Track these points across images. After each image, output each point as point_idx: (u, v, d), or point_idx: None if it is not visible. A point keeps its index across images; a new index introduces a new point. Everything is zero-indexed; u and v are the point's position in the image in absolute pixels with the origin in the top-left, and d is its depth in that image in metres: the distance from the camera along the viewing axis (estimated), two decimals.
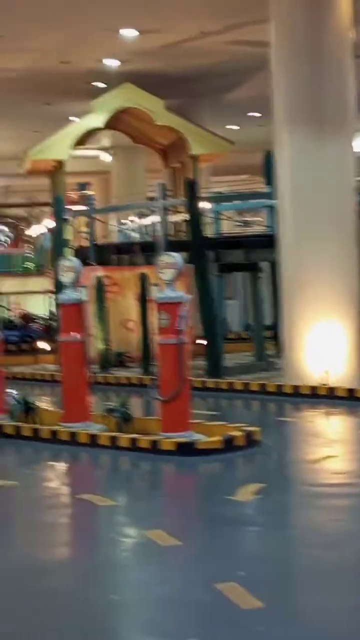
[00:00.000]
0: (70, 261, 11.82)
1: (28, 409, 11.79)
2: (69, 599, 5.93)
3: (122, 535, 7.36)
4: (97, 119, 23.01)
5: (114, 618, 5.63)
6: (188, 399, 10.50)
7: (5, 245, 36.69)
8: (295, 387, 13.94)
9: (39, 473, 9.92)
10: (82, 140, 23.91)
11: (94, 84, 22.72)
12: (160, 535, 7.09)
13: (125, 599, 5.96)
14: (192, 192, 15.88)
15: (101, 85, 22.99)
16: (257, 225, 24.24)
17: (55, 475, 10.01)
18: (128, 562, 6.74)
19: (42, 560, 6.71)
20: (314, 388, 13.77)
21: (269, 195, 17.22)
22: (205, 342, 15.75)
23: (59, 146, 23.02)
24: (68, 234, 19.60)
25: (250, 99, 24.38)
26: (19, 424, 11.51)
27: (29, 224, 39.32)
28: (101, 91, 23.17)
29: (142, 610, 5.71)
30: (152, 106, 23.08)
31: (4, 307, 23.74)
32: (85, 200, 21.80)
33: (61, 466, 10.40)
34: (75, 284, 11.52)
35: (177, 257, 10.73)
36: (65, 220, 18.77)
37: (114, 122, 24.08)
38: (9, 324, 21.93)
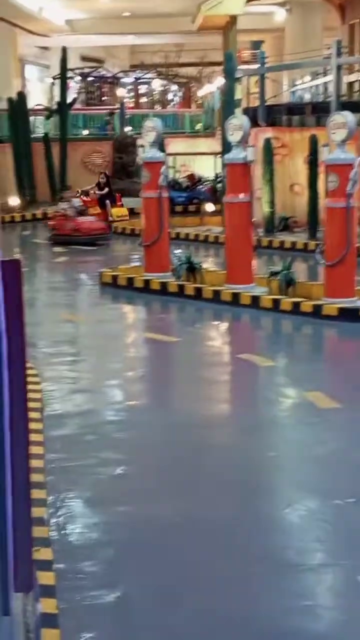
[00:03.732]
0: (239, 120, 11.59)
1: (192, 269, 11.89)
2: (231, 452, 6.07)
3: (281, 396, 7.41)
4: None
5: (272, 474, 5.73)
6: (354, 266, 10.30)
7: (175, 105, 36.50)
8: None
9: (201, 331, 10.06)
10: None
11: None
12: (320, 397, 7.10)
13: (283, 456, 6.04)
14: None
15: None
16: None
17: (217, 334, 10.13)
18: (287, 421, 6.80)
19: (205, 416, 6.86)
20: None
21: None
22: None
23: (232, 0, 22.32)
24: (238, 93, 19.20)
25: None
26: (183, 282, 11.65)
27: (199, 84, 38.86)
28: None
29: (299, 469, 5.78)
30: None
31: (172, 167, 23.77)
32: (257, 59, 21.22)
33: (222, 326, 10.50)
34: (243, 143, 11.32)
35: (350, 118, 10.33)
36: (237, 79, 18.36)
37: None
38: (176, 186, 21.99)
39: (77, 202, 17.66)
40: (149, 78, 38.01)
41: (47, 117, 25.62)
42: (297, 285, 10.88)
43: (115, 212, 19.25)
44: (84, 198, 18.84)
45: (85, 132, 27.58)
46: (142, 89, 37.48)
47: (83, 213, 17.42)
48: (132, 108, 32.85)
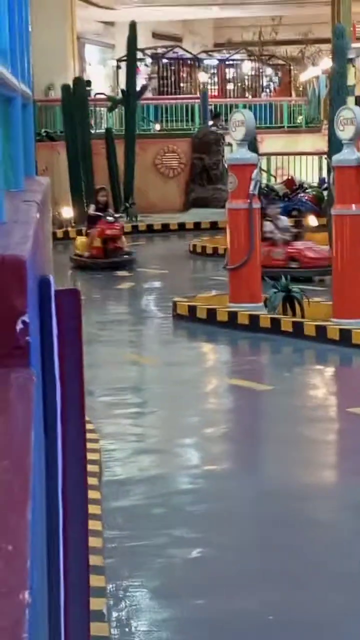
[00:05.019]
0: (351, 111, 11.62)
1: (290, 299, 11.86)
2: (338, 533, 6.01)
3: None
4: None
5: None
6: None
7: (270, 93, 36.68)
8: None
9: (301, 378, 10.02)
10: None
11: None
12: None
13: None
14: None
15: None
16: None
17: (321, 382, 10.08)
18: None
19: (305, 485, 6.83)
20: None
21: None
22: None
23: None
24: (351, 78, 19.22)
25: None
26: (278, 316, 11.64)
27: (301, 67, 38.99)
28: None
29: None
30: None
31: (265, 171, 23.88)
32: None
33: (328, 371, 10.44)
34: (357, 141, 11.35)
35: None
36: (349, 60, 18.41)
37: None
38: (271, 194, 22.05)
39: (284, 220, 16.52)
40: (238, 60, 38.30)
41: (110, 109, 25.96)
42: None
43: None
44: (107, 225, 17.23)
45: (157, 127, 27.90)
46: (229, 73, 37.76)
47: (298, 236, 16.18)
48: (216, 97, 33.11)
